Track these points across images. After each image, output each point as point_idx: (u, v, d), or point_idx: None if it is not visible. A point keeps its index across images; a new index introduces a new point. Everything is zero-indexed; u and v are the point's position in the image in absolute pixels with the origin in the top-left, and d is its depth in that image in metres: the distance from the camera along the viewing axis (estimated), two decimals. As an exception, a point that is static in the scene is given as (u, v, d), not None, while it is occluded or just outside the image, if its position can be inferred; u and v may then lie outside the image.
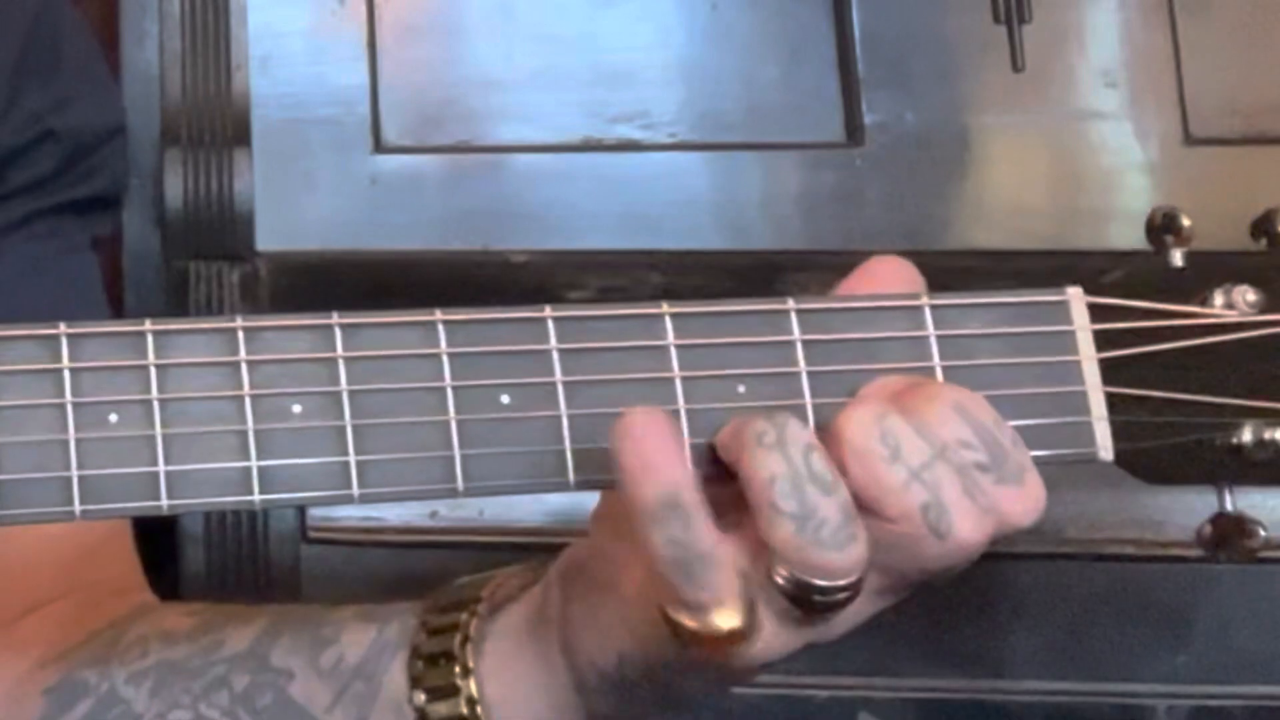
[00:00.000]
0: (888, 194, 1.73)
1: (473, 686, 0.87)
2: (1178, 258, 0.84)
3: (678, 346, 0.79)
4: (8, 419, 0.76)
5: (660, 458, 0.76)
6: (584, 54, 1.74)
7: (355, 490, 0.77)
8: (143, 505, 0.76)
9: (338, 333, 0.78)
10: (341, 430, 0.77)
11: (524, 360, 0.79)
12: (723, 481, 0.78)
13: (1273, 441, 0.81)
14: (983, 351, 0.81)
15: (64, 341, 0.76)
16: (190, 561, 1.62)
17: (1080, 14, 1.77)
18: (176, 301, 1.66)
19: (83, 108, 1.13)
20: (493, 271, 1.68)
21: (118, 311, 1.54)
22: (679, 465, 0.76)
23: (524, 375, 0.79)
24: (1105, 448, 0.81)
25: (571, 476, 0.79)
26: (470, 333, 0.79)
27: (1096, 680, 1.65)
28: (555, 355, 0.79)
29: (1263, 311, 0.82)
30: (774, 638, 0.79)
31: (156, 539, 1.30)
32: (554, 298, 0.80)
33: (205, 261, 1.67)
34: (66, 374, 0.76)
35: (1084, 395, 0.82)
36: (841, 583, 0.77)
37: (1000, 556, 1.55)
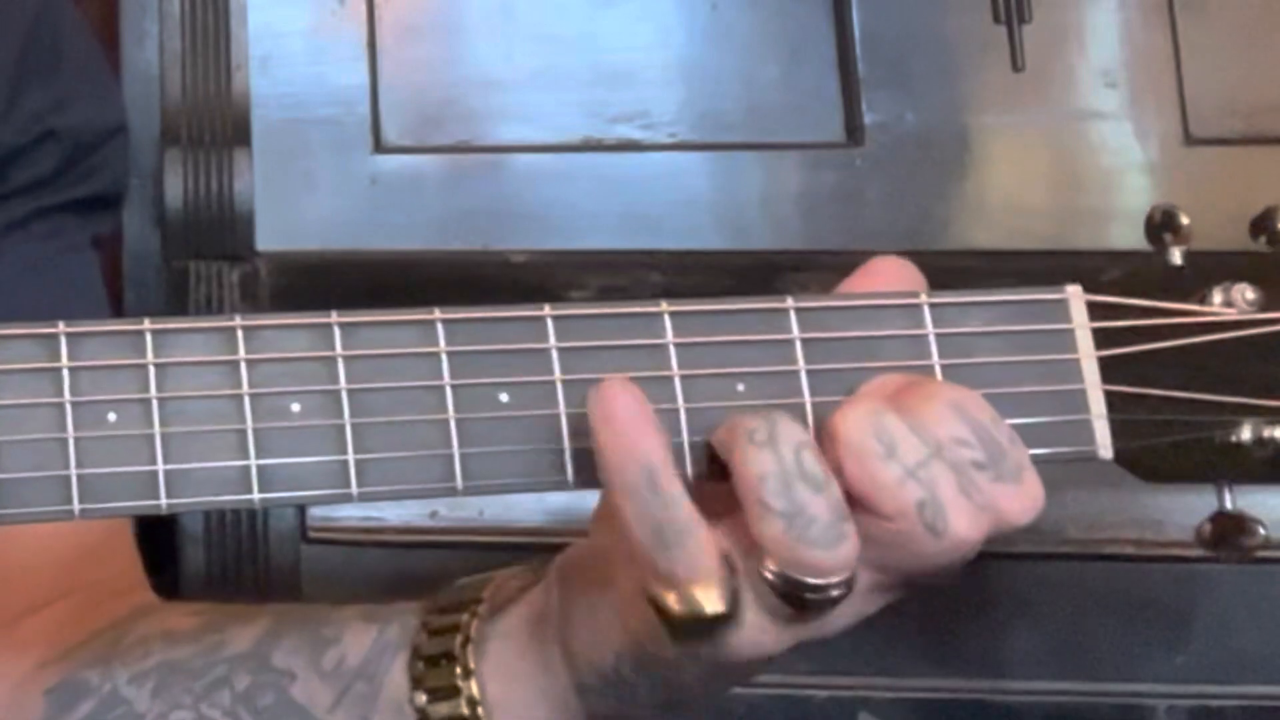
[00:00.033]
0: (888, 194, 1.73)
1: (474, 688, 0.88)
2: (1177, 256, 0.84)
3: (677, 345, 0.79)
4: (6, 418, 0.76)
5: (633, 426, 0.76)
6: (584, 54, 1.74)
7: (354, 489, 0.78)
8: (142, 504, 0.76)
9: (337, 331, 0.78)
10: (340, 429, 0.78)
11: (523, 359, 0.79)
12: (719, 479, 0.78)
13: (1272, 439, 0.82)
14: (982, 350, 0.81)
15: (63, 340, 0.76)
16: (190, 561, 1.62)
17: (1080, 14, 1.77)
18: (176, 301, 1.66)
19: (83, 107, 1.13)
20: (493, 271, 1.68)
21: (118, 311, 1.54)
22: (651, 434, 0.76)
23: (523, 374, 0.79)
24: (1104, 446, 0.82)
25: (570, 475, 0.79)
26: (469, 331, 0.79)
27: (1096, 680, 1.65)
28: (554, 354, 0.79)
29: (1262, 310, 0.82)
30: (765, 634, 0.79)
31: (157, 539, 1.30)
32: (554, 298, 0.80)
33: (205, 261, 1.67)
34: (65, 373, 0.76)
35: (1083, 393, 0.82)
36: (832, 580, 0.77)
37: (1000, 556, 1.56)
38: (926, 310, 0.81)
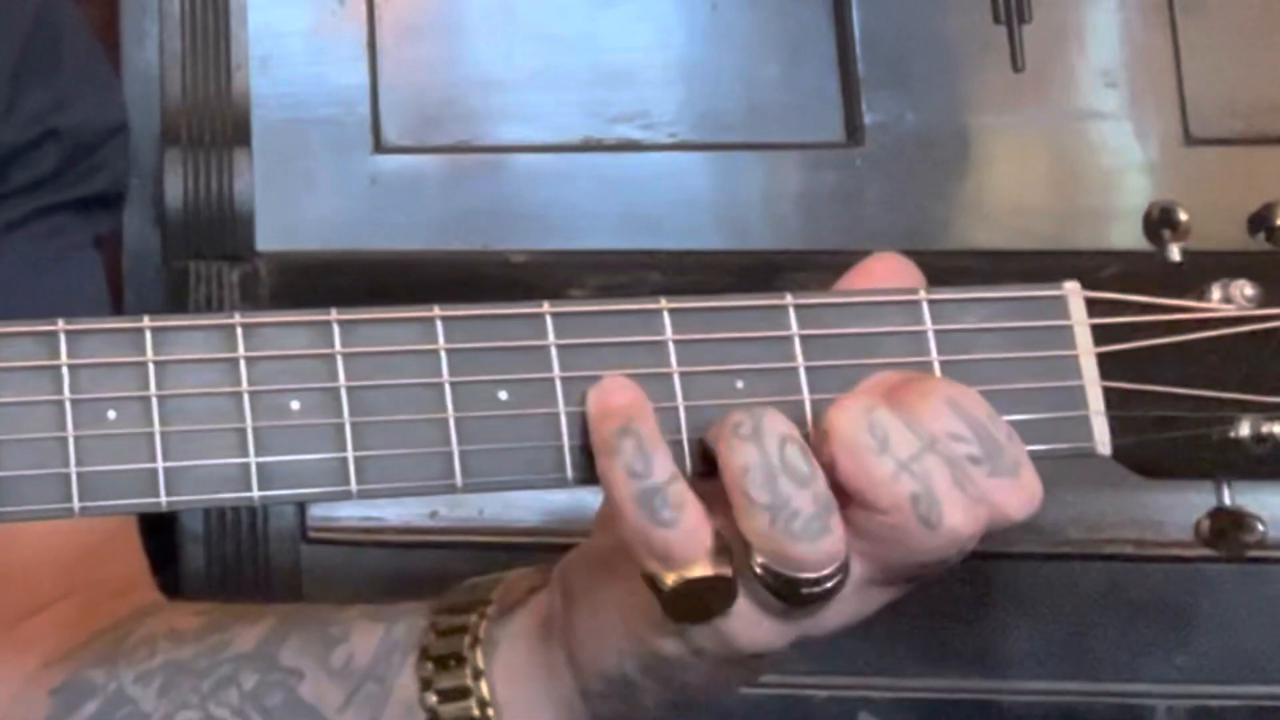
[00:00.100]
0: (888, 194, 1.73)
1: (484, 689, 0.88)
2: (1175, 252, 0.84)
3: (676, 342, 0.79)
4: (6, 416, 0.76)
5: (617, 396, 0.77)
6: (584, 54, 1.74)
7: (354, 486, 0.77)
8: (141, 502, 0.76)
9: (336, 329, 0.78)
10: (340, 427, 0.77)
11: (522, 356, 0.79)
12: (715, 476, 0.78)
13: (1270, 435, 0.81)
14: (980, 346, 0.81)
15: (62, 338, 0.76)
16: (190, 561, 1.62)
17: (1080, 14, 1.77)
18: (176, 301, 1.66)
19: (84, 106, 1.13)
20: (493, 271, 1.68)
21: (118, 311, 1.54)
22: (635, 399, 0.77)
23: (522, 371, 0.79)
24: (1103, 442, 0.81)
25: (570, 472, 0.79)
26: (468, 329, 0.79)
27: (1096, 680, 1.65)
28: (553, 351, 0.79)
29: (1260, 306, 0.82)
30: (760, 627, 0.79)
31: (157, 538, 1.30)
32: (554, 297, 0.80)
33: (205, 261, 1.67)
34: (65, 370, 0.76)
35: (1082, 390, 0.82)
36: (820, 574, 0.77)
37: (1000, 556, 1.56)
38: (925, 307, 0.81)
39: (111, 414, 0.76)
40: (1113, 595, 1.65)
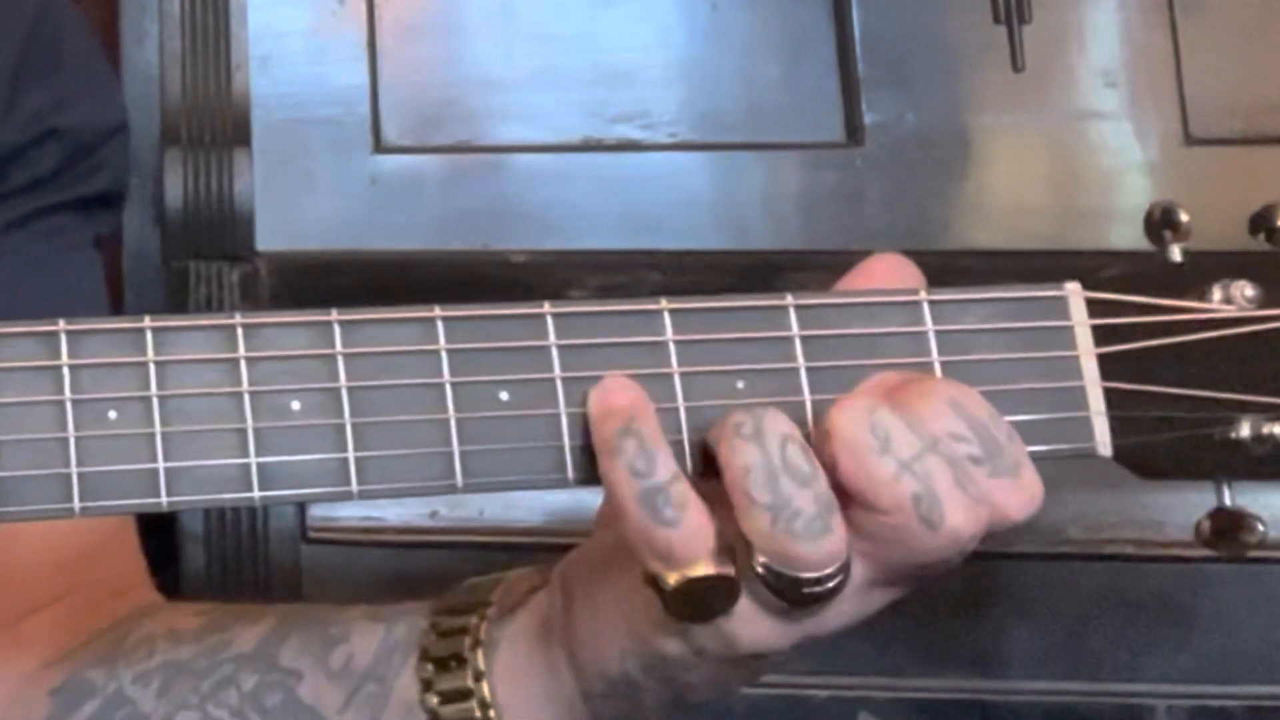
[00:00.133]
0: (888, 194, 1.73)
1: (485, 690, 0.88)
2: (1176, 253, 0.84)
3: (676, 342, 0.79)
4: (7, 416, 0.76)
5: (618, 396, 0.77)
6: (584, 54, 1.74)
7: (355, 487, 0.77)
8: (142, 502, 0.76)
9: (337, 329, 0.78)
10: (341, 427, 0.77)
11: (523, 357, 0.79)
12: (715, 477, 0.78)
13: (1271, 436, 0.81)
14: (981, 347, 0.81)
15: (63, 338, 0.76)
16: (190, 561, 1.62)
17: (1080, 14, 1.77)
18: (176, 301, 1.66)
19: (84, 106, 1.13)
20: (493, 271, 1.68)
21: (118, 311, 1.54)
22: (637, 399, 0.77)
23: (523, 372, 0.79)
24: (1104, 443, 0.81)
25: (571, 473, 0.79)
26: (469, 329, 0.79)
27: (1096, 680, 1.65)
28: (554, 351, 0.79)
29: (1261, 307, 0.82)
30: (762, 627, 0.79)
31: (157, 538, 1.30)
32: (554, 297, 0.80)
33: (205, 261, 1.67)
34: (66, 371, 0.76)
35: (1082, 390, 0.82)
36: (821, 573, 0.77)
37: (1000, 556, 1.56)
38: (926, 307, 0.81)
39: (112, 414, 0.76)
40: (1113, 595, 1.65)
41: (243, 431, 0.77)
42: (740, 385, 0.80)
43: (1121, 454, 0.82)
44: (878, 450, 0.77)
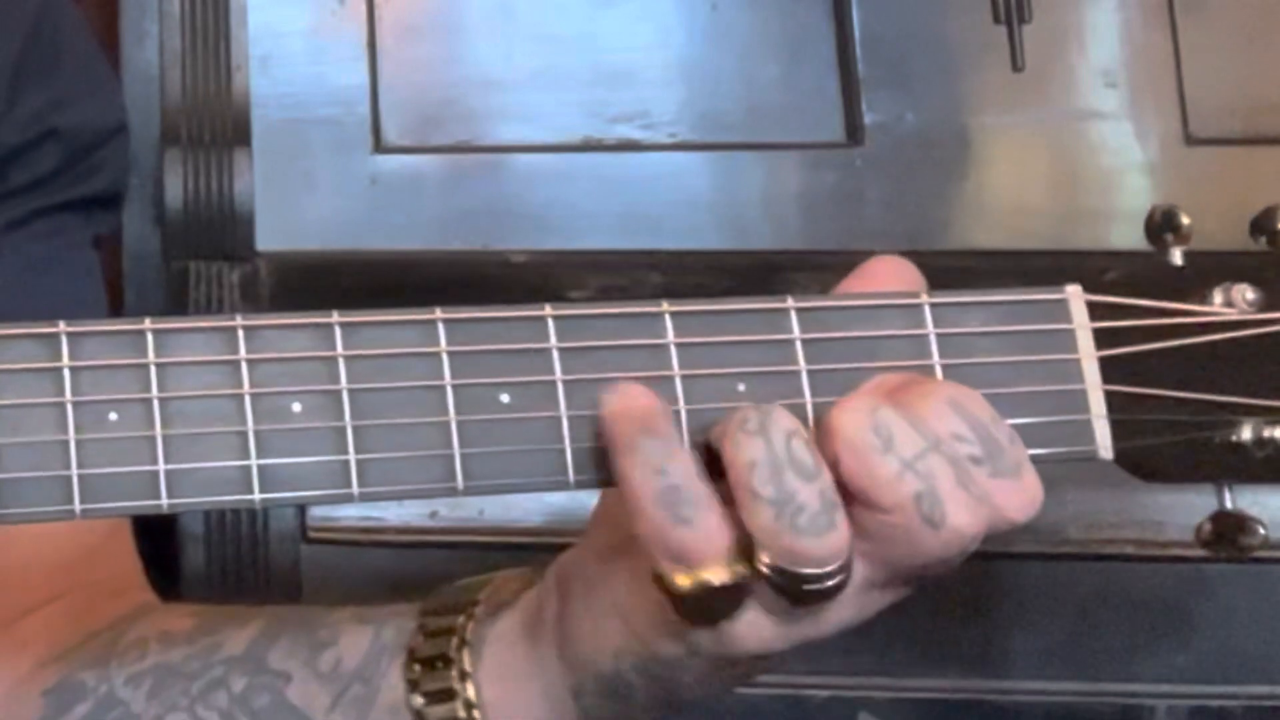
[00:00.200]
0: (888, 194, 1.73)
1: (470, 690, 0.88)
2: (1177, 256, 0.84)
3: (677, 345, 0.79)
4: (7, 418, 0.76)
5: (636, 399, 0.77)
6: (584, 54, 1.74)
7: (355, 489, 0.77)
8: (142, 504, 0.76)
9: (337, 331, 0.78)
10: (341, 429, 0.77)
11: (524, 359, 0.79)
12: (718, 477, 0.78)
13: (1272, 439, 0.82)
14: (982, 350, 0.81)
15: (64, 340, 0.76)
16: (190, 561, 1.62)
17: (1080, 14, 1.77)
18: (176, 301, 1.66)
19: (84, 106, 1.13)
20: (493, 271, 1.68)
21: (118, 311, 1.54)
22: (653, 401, 0.77)
23: (524, 374, 0.79)
24: (1105, 446, 0.81)
25: (571, 475, 0.79)
26: (470, 331, 0.79)
27: (1096, 680, 1.66)
28: (555, 354, 0.79)
29: (1262, 310, 0.82)
30: (764, 629, 0.79)
31: (157, 538, 1.30)
32: (554, 297, 0.80)
33: (205, 261, 1.67)
34: (66, 373, 0.76)
35: (1084, 394, 0.82)
36: (825, 570, 0.77)
37: (1000, 556, 1.56)
38: (927, 310, 0.81)
39: (113, 416, 0.76)
40: (1113, 595, 1.65)
41: (243, 433, 0.77)
42: (741, 388, 0.80)
43: (1122, 457, 0.82)
44: (880, 449, 0.77)
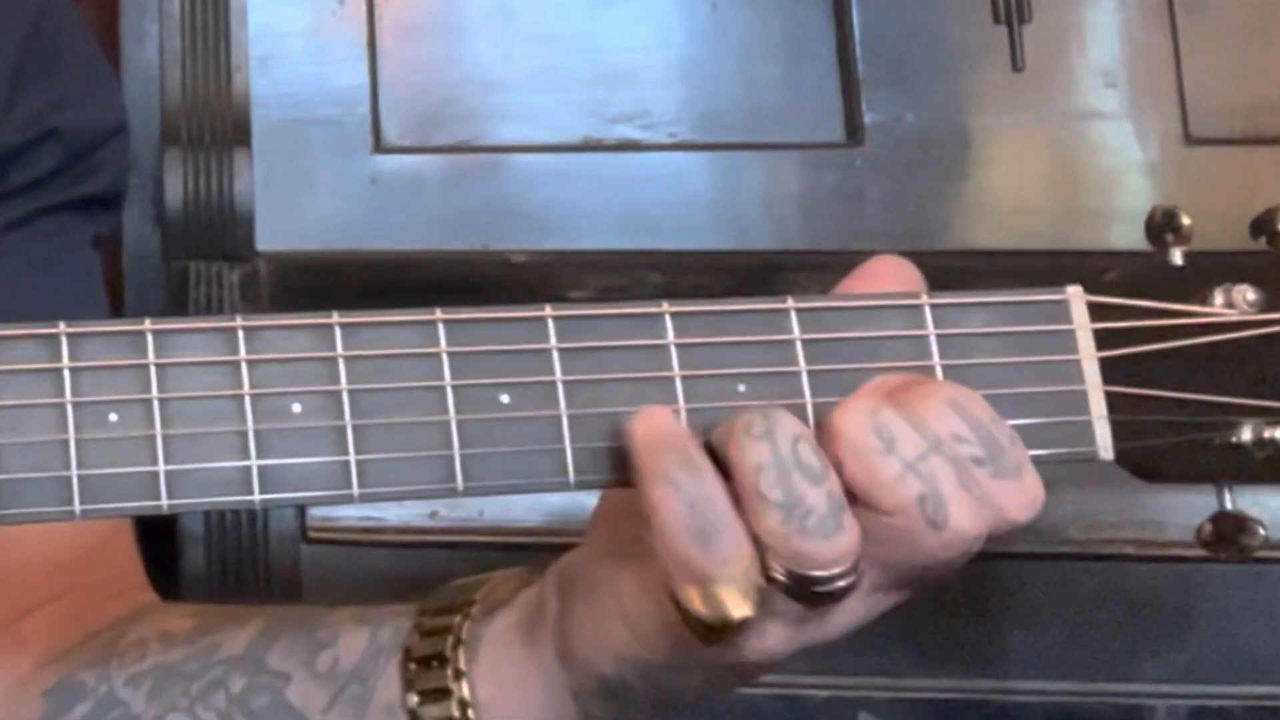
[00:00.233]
0: (888, 194, 1.73)
1: (465, 689, 0.88)
2: (1177, 256, 0.84)
3: (678, 345, 0.79)
4: (7, 418, 0.76)
5: (666, 424, 0.77)
6: (584, 54, 1.74)
7: (355, 490, 0.77)
8: (142, 505, 0.76)
9: (338, 332, 0.78)
10: (341, 430, 0.77)
11: (524, 359, 0.79)
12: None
13: (1273, 440, 0.81)
14: (982, 350, 0.81)
15: (64, 341, 0.76)
16: (190, 561, 1.62)
17: (1080, 14, 1.77)
18: (176, 301, 1.66)
19: (84, 106, 1.13)
20: (493, 271, 1.68)
21: (118, 311, 1.54)
22: (686, 434, 0.77)
23: (524, 374, 0.79)
24: (1105, 447, 0.81)
25: (571, 476, 0.79)
26: (470, 332, 0.79)
27: (1096, 680, 1.65)
28: (555, 354, 0.79)
29: (1263, 310, 0.82)
30: (773, 636, 0.79)
31: (157, 539, 1.30)
32: (554, 297, 0.80)
33: (205, 261, 1.67)
34: (66, 373, 0.76)
35: (1084, 394, 0.82)
36: (834, 572, 0.77)
37: (1000, 556, 1.56)
38: (927, 311, 0.81)
39: (113, 416, 0.76)
40: (1113, 595, 1.65)
41: (243, 434, 0.77)
42: (741, 388, 0.80)
43: (1123, 458, 0.82)
44: (883, 451, 0.77)
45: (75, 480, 0.75)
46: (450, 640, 0.88)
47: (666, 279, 1.66)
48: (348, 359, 0.78)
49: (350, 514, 1.61)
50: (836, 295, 0.82)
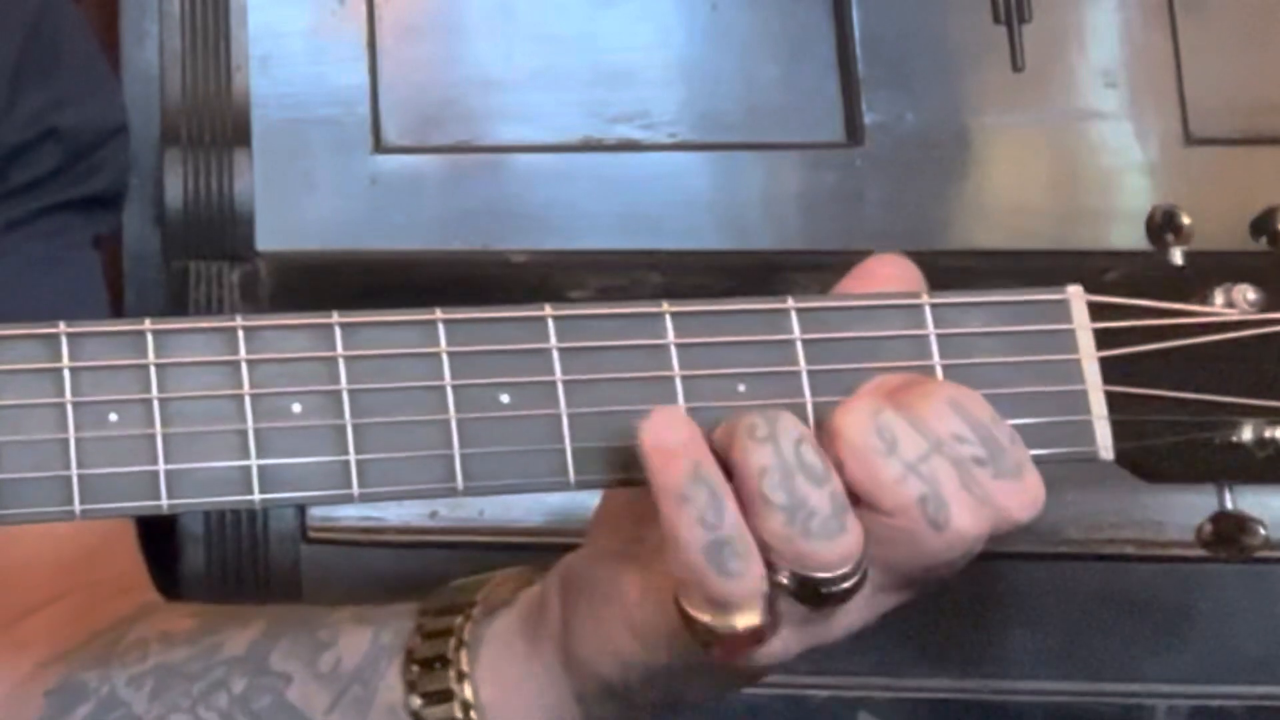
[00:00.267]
0: (888, 194, 1.73)
1: (467, 691, 0.88)
2: (1178, 256, 0.84)
3: (678, 345, 0.79)
4: (7, 418, 0.76)
5: (677, 432, 0.76)
6: (584, 54, 1.74)
7: (355, 489, 0.77)
8: (142, 505, 0.76)
9: (337, 332, 0.78)
10: (341, 429, 0.77)
11: (524, 359, 0.79)
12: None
13: (1273, 440, 0.81)
14: (983, 350, 0.81)
15: (64, 341, 0.76)
16: (190, 561, 1.62)
17: (1080, 14, 1.77)
18: (176, 301, 1.66)
19: (84, 106, 1.13)
20: (493, 271, 1.68)
21: (118, 311, 1.54)
22: (701, 446, 0.77)
23: (524, 374, 0.79)
24: (1105, 447, 0.81)
25: (571, 476, 0.79)
26: (470, 332, 0.79)
27: (1096, 680, 1.65)
28: (555, 354, 0.79)
29: (1263, 310, 0.82)
30: (779, 640, 0.79)
31: (157, 539, 1.30)
32: (554, 297, 0.80)
33: (205, 261, 1.67)
34: (66, 373, 0.76)
35: (1084, 394, 0.81)
36: (838, 573, 0.77)
37: (1000, 556, 1.56)
38: (928, 310, 0.81)
39: (113, 416, 0.76)
40: (1113, 595, 1.65)
41: (243, 434, 0.77)
42: (742, 388, 0.80)
43: (1123, 458, 0.82)
44: (884, 452, 0.77)
45: (75, 480, 0.76)
46: (452, 642, 0.88)
47: (666, 279, 1.66)
48: (348, 359, 0.78)
49: (350, 514, 1.61)
50: (836, 295, 0.82)
